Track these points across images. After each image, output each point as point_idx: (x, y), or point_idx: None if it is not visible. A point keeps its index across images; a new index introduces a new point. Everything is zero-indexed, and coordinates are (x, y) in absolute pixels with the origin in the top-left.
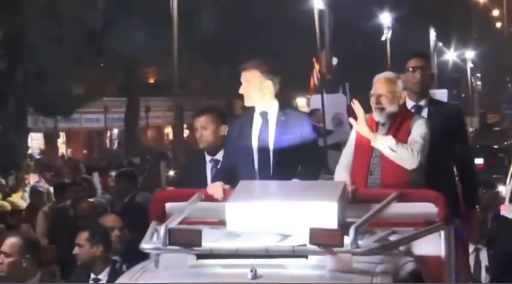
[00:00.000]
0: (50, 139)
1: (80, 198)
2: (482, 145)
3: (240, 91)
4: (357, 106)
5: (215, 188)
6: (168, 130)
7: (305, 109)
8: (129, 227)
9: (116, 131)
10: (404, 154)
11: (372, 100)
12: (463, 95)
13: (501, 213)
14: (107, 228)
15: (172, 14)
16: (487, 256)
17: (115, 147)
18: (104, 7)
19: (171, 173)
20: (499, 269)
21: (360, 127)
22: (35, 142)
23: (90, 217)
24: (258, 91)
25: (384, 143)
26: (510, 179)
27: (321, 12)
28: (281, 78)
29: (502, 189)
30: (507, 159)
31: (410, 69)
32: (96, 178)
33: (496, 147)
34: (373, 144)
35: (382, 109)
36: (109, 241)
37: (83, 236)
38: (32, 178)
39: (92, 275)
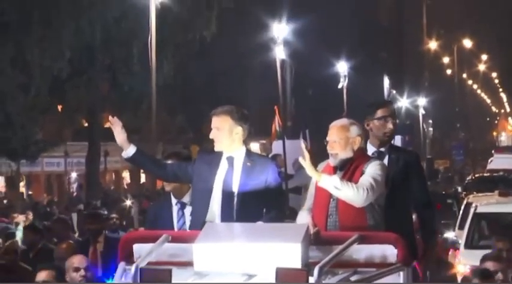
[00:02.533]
0: (12, 182)
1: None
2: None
3: (211, 136)
4: (303, 146)
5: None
6: (125, 174)
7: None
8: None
9: (74, 175)
10: (349, 191)
11: (328, 147)
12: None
13: (457, 258)
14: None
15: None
16: None
17: (74, 190)
18: (70, 57)
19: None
20: None
21: (306, 168)
22: None
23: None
24: (228, 137)
25: (328, 182)
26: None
27: (282, 61)
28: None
29: (449, 235)
30: (455, 204)
31: (380, 118)
32: (74, 218)
33: (443, 193)
34: (319, 184)
35: (335, 154)
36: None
37: (49, 275)
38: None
39: None
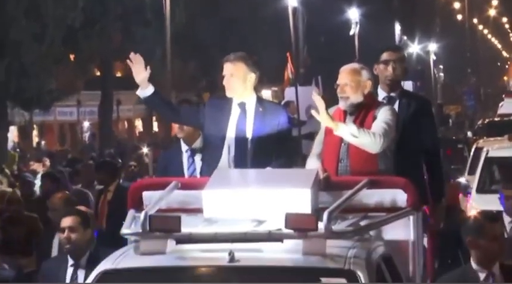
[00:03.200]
0: (25, 132)
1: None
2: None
3: (224, 83)
4: (316, 97)
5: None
6: (138, 123)
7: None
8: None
9: (87, 124)
10: (367, 138)
11: (338, 90)
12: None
13: (468, 203)
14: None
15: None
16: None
17: (87, 139)
18: (83, 5)
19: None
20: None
21: (321, 117)
22: (9, 135)
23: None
24: (242, 84)
25: (345, 130)
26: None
27: (294, 9)
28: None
29: (461, 180)
30: (466, 149)
31: (383, 61)
32: None
33: (454, 138)
34: (335, 132)
35: (346, 98)
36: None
37: (75, 221)
38: (36, 167)
39: (71, 261)
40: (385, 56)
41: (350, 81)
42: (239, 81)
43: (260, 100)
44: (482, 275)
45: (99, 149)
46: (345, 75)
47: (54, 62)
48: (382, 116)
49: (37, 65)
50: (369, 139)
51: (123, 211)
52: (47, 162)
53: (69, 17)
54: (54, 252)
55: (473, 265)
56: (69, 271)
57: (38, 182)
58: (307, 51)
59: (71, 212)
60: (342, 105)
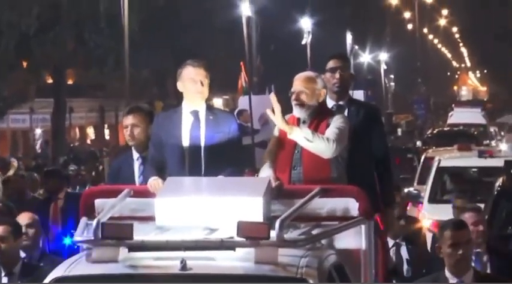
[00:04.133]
0: None
1: None
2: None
3: (197, 89)
4: (273, 99)
5: (156, 184)
6: (89, 130)
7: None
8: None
9: (39, 131)
10: (320, 143)
11: (293, 97)
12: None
13: (420, 212)
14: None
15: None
16: (406, 251)
17: (38, 146)
18: (38, 13)
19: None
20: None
21: (276, 119)
22: None
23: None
24: (206, 90)
25: (299, 134)
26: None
27: (248, 18)
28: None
29: (408, 190)
30: (415, 159)
31: (330, 69)
32: None
33: (403, 147)
34: (289, 136)
35: (301, 105)
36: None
37: (5, 230)
38: None
39: (3, 271)
40: (331, 63)
41: (305, 89)
42: (205, 88)
43: (210, 108)
44: (453, 282)
45: (52, 156)
46: (300, 82)
47: (7, 69)
48: (335, 124)
49: None
50: (322, 144)
51: (75, 219)
52: (15, 163)
53: (23, 23)
54: None
55: (446, 272)
56: (4, 280)
57: None
58: (260, 60)
59: (1, 221)
60: (296, 112)
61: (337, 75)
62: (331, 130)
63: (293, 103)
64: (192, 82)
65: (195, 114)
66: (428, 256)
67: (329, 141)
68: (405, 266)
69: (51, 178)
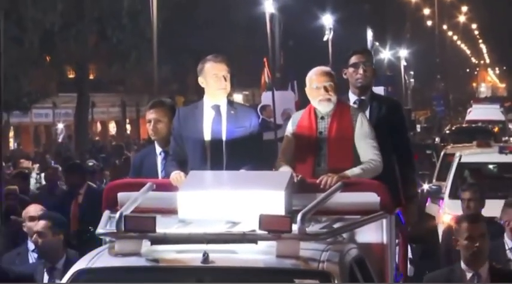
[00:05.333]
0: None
1: None
2: None
3: (221, 85)
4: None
5: (178, 178)
6: (111, 125)
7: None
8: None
9: (61, 126)
10: (372, 171)
11: (319, 93)
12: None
13: (441, 208)
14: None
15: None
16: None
17: (60, 140)
18: (61, 9)
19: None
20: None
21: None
22: None
23: None
24: (229, 84)
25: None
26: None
27: (271, 15)
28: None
29: (426, 187)
30: (434, 155)
31: (353, 64)
32: None
33: (422, 143)
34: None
35: (329, 100)
36: (68, 230)
37: (43, 225)
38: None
39: (47, 265)
40: (354, 58)
41: (331, 83)
42: (228, 82)
43: (231, 102)
44: (469, 275)
45: (76, 151)
46: (327, 77)
47: (32, 64)
48: (364, 131)
49: (16, 68)
50: (373, 170)
51: (95, 214)
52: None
53: (47, 20)
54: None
55: (462, 265)
56: (45, 275)
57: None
58: (283, 56)
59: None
60: (324, 106)
61: (360, 70)
62: (367, 145)
63: (320, 98)
64: (215, 78)
65: (217, 108)
66: (435, 255)
67: (375, 162)
68: (408, 266)
69: (72, 172)
